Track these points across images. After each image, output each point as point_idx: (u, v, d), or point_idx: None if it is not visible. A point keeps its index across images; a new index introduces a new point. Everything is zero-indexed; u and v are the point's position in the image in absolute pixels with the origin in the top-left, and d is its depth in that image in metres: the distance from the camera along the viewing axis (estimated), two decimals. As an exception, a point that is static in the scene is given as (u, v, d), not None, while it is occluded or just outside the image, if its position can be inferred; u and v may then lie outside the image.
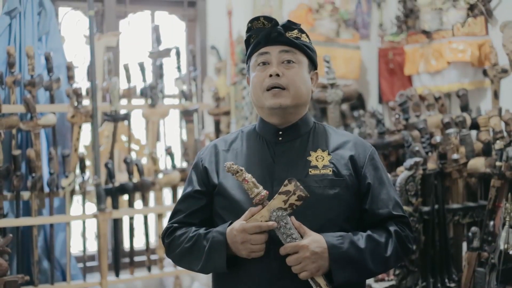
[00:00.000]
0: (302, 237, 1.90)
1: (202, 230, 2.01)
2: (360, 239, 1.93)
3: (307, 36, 2.11)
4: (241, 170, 1.91)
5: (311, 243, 1.87)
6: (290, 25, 2.05)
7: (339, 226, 1.96)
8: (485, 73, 4.13)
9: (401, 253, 2.01)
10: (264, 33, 2.04)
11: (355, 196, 2.01)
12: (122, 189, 4.24)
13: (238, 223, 1.91)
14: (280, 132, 2.07)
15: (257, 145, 2.09)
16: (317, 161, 2.01)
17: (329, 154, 2.03)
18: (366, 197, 2.02)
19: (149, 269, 4.40)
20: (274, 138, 2.07)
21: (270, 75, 2.01)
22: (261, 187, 1.91)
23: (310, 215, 1.94)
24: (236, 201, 2.00)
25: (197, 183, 2.10)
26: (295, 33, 2.05)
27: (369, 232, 1.97)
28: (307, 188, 1.91)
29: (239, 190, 1.99)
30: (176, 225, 2.09)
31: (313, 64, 2.13)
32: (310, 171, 1.99)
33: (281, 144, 2.06)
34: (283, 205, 1.89)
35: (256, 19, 2.06)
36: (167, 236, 2.10)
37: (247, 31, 2.10)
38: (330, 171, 1.99)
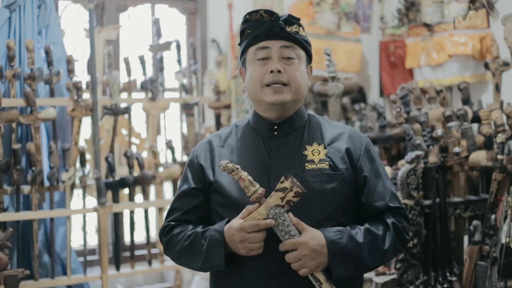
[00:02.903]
0: (300, 233, 1.89)
1: (199, 229, 2.00)
2: (358, 233, 1.93)
3: (303, 29, 2.10)
4: (237, 168, 1.90)
5: (310, 240, 1.87)
6: (291, 20, 2.04)
7: (336, 220, 1.96)
8: (486, 66, 4.11)
9: (398, 245, 2.01)
10: (265, 27, 2.02)
11: (352, 189, 2.01)
12: (123, 183, 4.23)
13: (236, 222, 1.91)
14: (276, 127, 2.06)
15: (253, 140, 2.08)
16: (313, 155, 2.01)
17: (325, 147, 2.02)
18: (363, 190, 2.02)
19: (149, 263, 4.39)
20: (270, 133, 2.06)
21: (271, 71, 1.99)
22: (257, 185, 1.90)
23: (307, 210, 1.94)
24: (232, 198, 1.99)
25: (192, 181, 2.09)
26: (294, 27, 2.05)
27: (366, 225, 1.97)
28: (304, 183, 1.91)
29: (235, 187, 1.98)
30: (173, 223, 2.08)
31: (309, 58, 2.12)
32: (307, 166, 1.99)
33: (276, 138, 2.05)
34: (280, 202, 1.89)
35: (255, 11, 2.04)
36: (165, 234, 2.09)
37: (244, 23, 2.08)
38: (326, 165, 1.98)
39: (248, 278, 1.97)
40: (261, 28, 2.03)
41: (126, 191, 4.37)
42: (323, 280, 1.87)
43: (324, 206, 1.95)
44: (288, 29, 2.02)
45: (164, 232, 2.10)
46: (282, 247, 1.89)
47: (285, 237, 1.88)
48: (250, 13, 2.05)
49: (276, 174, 1.95)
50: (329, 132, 2.08)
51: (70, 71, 4.10)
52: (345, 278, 1.90)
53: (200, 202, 2.07)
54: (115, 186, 4.20)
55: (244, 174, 1.90)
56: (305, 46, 2.07)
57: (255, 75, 2.04)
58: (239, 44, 2.13)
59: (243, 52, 2.11)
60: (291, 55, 2.02)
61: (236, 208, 1.95)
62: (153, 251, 4.58)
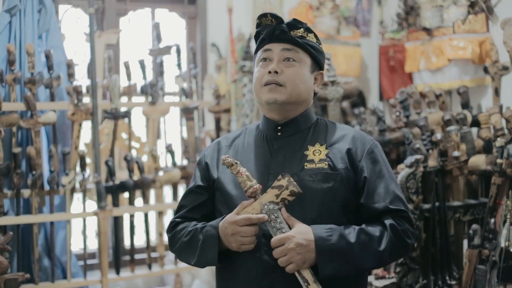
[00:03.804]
0: (291, 229, 1.91)
1: (199, 225, 2.05)
2: (352, 232, 1.92)
3: (316, 36, 2.13)
4: (236, 163, 1.94)
5: (296, 234, 1.88)
6: (296, 24, 2.07)
7: (334, 220, 1.95)
8: (486, 70, 4.12)
9: (398, 248, 1.97)
10: (268, 30, 2.07)
11: (352, 190, 2.00)
12: (123, 186, 4.23)
13: (230, 216, 1.95)
14: (279, 128, 2.09)
15: (258, 141, 2.12)
16: (314, 155, 2.02)
17: (326, 148, 2.03)
18: (362, 191, 2.00)
19: (149, 266, 4.39)
20: (274, 134, 2.10)
21: (269, 72, 2.03)
22: (254, 181, 1.93)
23: (304, 208, 1.95)
24: (231, 196, 2.03)
25: (199, 179, 2.15)
26: (300, 32, 2.07)
27: (363, 226, 1.96)
28: (301, 182, 1.94)
29: (234, 185, 2.02)
30: (178, 219, 2.14)
31: (317, 64, 2.13)
32: (306, 165, 2.00)
33: (280, 139, 2.09)
34: (275, 199, 1.91)
35: (264, 15, 2.09)
36: (169, 230, 2.15)
37: (257, 27, 2.13)
38: (326, 165, 1.99)
39: (241, 274, 1.99)
40: (265, 31, 2.08)
41: (126, 195, 4.37)
42: (311, 281, 1.86)
43: (321, 205, 1.96)
44: (293, 33, 2.06)
45: (169, 228, 2.15)
46: (272, 244, 1.90)
47: (276, 234, 1.90)
48: (260, 17, 2.11)
49: (275, 173, 1.97)
50: (334, 134, 2.09)
51: (70, 75, 4.11)
52: (332, 276, 1.89)
53: (204, 200, 2.12)
54: (115, 190, 4.21)
55: (243, 169, 1.93)
56: (309, 51, 2.09)
57: (257, 75, 2.09)
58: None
59: (255, 55, 2.16)
60: (291, 57, 2.05)
61: (233, 206, 1.98)
62: (153, 255, 4.58)
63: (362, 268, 1.97)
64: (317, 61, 2.13)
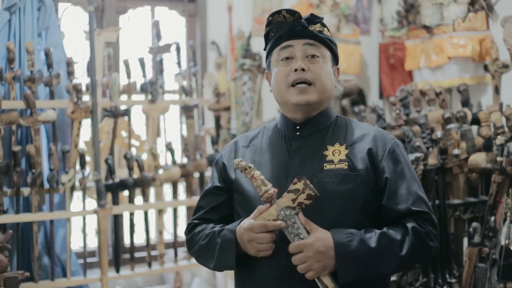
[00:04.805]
0: (309, 233, 1.85)
1: (217, 228, 2.00)
2: (373, 237, 1.86)
3: (328, 30, 2.07)
4: (250, 167, 1.87)
5: (315, 242, 1.82)
6: (314, 19, 2.01)
7: (354, 222, 1.90)
8: (486, 68, 4.12)
9: (420, 251, 1.91)
10: (288, 27, 2.00)
11: (372, 191, 1.94)
12: (122, 185, 4.23)
13: (245, 222, 1.89)
14: (298, 127, 2.03)
15: (276, 141, 2.06)
16: (334, 155, 1.96)
17: (346, 148, 1.97)
18: (384, 192, 1.94)
19: (149, 265, 4.39)
20: (292, 133, 2.04)
21: (295, 70, 1.97)
22: (269, 185, 1.87)
23: (323, 211, 1.89)
24: (249, 197, 1.98)
25: (217, 180, 2.10)
26: (318, 26, 2.01)
27: (384, 229, 1.89)
28: (320, 184, 1.88)
29: (253, 187, 1.95)
30: (196, 221, 2.10)
31: (335, 59, 2.08)
32: (325, 166, 1.94)
33: (298, 139, 2.03)
34: (292, 204, 1.84)
35: (277, 12, 2.01)
36: (188, 232, 2.11)
37: (267, 25, 2.06)
38: (345, 165, 1.93)
39: (260, 279, 1.95)
40: (283, 29, 2.01)
41: (126, 193, 4.37)
42: (331, 287, 1.83)
43: (341, 207, 1.90)
44: (311, 28, 1.99)
45: (187, 230, 2.11)
46: (290, 250, 1.85)
47: (294, 240, 1.84)
48: (272, 15, 2.03)
49: (294, 175, 1.90)
50: (354, 133, 2.02)
51: (70, 73, 4.10)
52: (352, 283, 1.84)
53: (222, 201, 2.08)
54: (115, 188, 4.20)
55: (257, 173, 1.87)
56: (329, 45, 2.03)
57: (280, 75, 2.01)
58: (265, 49, 2.11)
59: (268, 55, 2.09)
60: (315, 53, 1.99)
61: (252, 208, 1.92)
62: (153, 253, 4.58)
63: (383, 273, 1.91)
64: (335, 55, 2.08)
